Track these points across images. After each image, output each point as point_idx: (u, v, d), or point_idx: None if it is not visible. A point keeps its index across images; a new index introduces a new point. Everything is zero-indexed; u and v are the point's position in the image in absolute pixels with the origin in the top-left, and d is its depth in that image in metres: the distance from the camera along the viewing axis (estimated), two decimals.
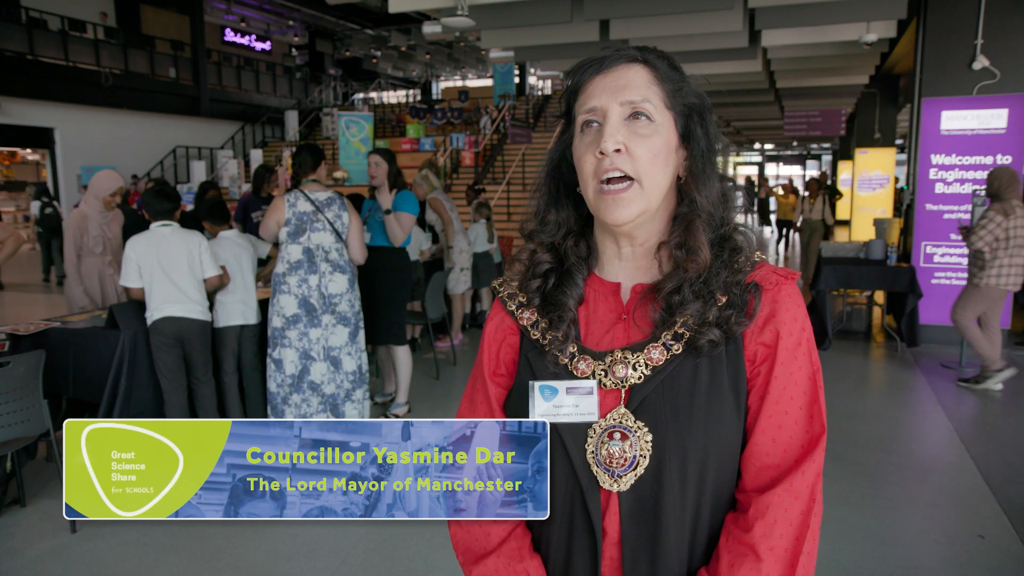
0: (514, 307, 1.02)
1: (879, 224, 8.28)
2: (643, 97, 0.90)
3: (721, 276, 0.92)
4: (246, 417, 4.12)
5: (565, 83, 0.99)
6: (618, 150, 0.89)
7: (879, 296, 7.34)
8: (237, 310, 4.12)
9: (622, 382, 0.91)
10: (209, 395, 4.00)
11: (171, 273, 3.69)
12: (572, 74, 0.97)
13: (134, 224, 4.90)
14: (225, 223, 4.25)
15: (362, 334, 4.21)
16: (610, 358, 0.92)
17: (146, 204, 3.83)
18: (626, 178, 0.90)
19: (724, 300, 0.90)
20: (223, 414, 4.26)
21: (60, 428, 3.80)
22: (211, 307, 3.99)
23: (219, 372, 4.17)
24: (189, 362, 3.84)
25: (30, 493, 3.51)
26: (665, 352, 0.90)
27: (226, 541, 3.09)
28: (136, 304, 3.90)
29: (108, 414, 3.56)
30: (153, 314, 3.71)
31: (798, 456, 0.88)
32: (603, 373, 0.92)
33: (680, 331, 0.90)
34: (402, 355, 4.60)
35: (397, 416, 4.63)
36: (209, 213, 4.27)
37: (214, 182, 8.91)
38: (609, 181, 0.90)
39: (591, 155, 0.91)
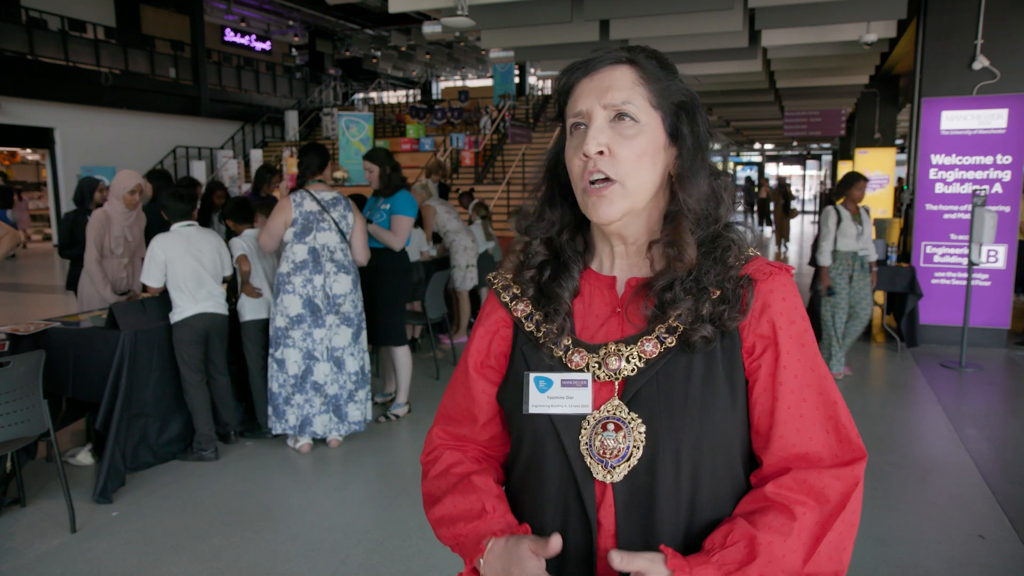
0: (508, 299, 1.03)
1: (879, 224, 8.29)
2: (625, 99, 0.91)
3: (712, 273, 0.92)
4: (266, 408, 4.15)
5: (556, 86, 1.01)
6: (600, 152, 0.90)
7: (879, 296, 7.34)
8: (263, 304, 4.23)
9: (616, 374, 0.92)
10: (226, 386, 4.14)
11: (203, 271, 3.89)
12: (562, 76, 0.98)
13: (158, 226, 4.93)
14: (249, 222, 4.43)
15: (364, 335, 4.21)
16: (604, 351, 0.93)
17: (164, 206, 4.02)
18: (608, 179, 0.91)
19: (717, 295, 0.91)
20: (249, 405, 4.36)
21: (60, 428, 3.83)
22: (234, 302, 4.21)
23: (244, 364, 4.28)
24: (209, 356, 4.01)
25: (30, 493, 3.51)
26: (659, 345, 0.91)
27: (226, 541, 3.09)
28: (137, 304, 3.91)
29: (108, 414, 3.56)
30: (184, 310, 3.85)
31: (835, 442, 0.89)
32: (597, 365, 0.93)
33: (674, 324, 0.91)
34: (402, 356, 4.60)
35: (397, 416, 4.63)
36: (234, 212, 4.49)
37: (219, 182, 8.91)
38: (594, 183, 0.92)
39: (577, 158, 0.93)
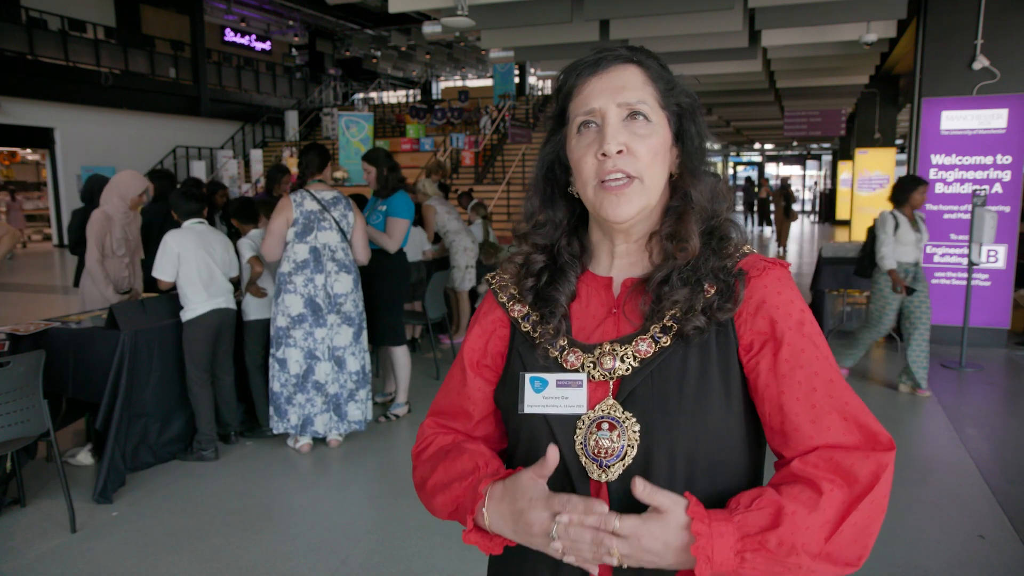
0: (505, 299, 1.03)
1: None
2: (639, 98, 0.92)
3: (709, 263, 0.93)
4: (267, 407, 4.18)
5: (557, 85, 1.00)
6: (620, 151, 0.90)
7: None
8: (266, 304, 4.26)
9: (610, 374, 0.92)
10: (230, 386, 4.16)
11: (216, 267, 3.94)
12: (565, 75, 0.98)
13: (158, 225, 4.93)
14: (253, 222, 4.45)
15: (365, 334, 4.21)
16: (599, 351, 0.93)
17: (174, 205, 4.06)
18: (627, 176, 0.91)
19: (713, 291, 0.91)
20: (249, 405, 4.38)
21: (60, 428, 3.83)
22: (237, 301, 4.24)
23: (244, 362, 4.30)
24: (216, 354, 4.03)
25: (30, 493, 3.51)
26: (653, 344, 0.91)
27: (226, 541, 3.09)
28: (137, 304, 3.91)
29: (108, 414, 3.56)
30: (198, 307, 3.88)
31: (855, 430, 0.86)
32: (592, 365, 0.93)
33: (668, 324, 0.91)
34: (400, 356, 4.60)
35: (397, 416, 4.63)
36: (239, 212, 4.51)
37: (221, 183, 8.91)
38: (609, 181, 0.91)
39: (592, 156, 0.92)
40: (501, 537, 0.89)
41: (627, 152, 0.90)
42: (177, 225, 4.04)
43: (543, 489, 0.85)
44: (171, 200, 4.16)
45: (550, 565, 0.93)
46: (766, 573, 0.79)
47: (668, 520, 0.79)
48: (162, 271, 3.84)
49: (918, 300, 4.91)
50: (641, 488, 0.80)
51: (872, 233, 5.01)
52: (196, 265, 3.86)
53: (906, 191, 4.86)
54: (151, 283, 4.74)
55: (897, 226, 4.83)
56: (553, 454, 0.84)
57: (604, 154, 0.90)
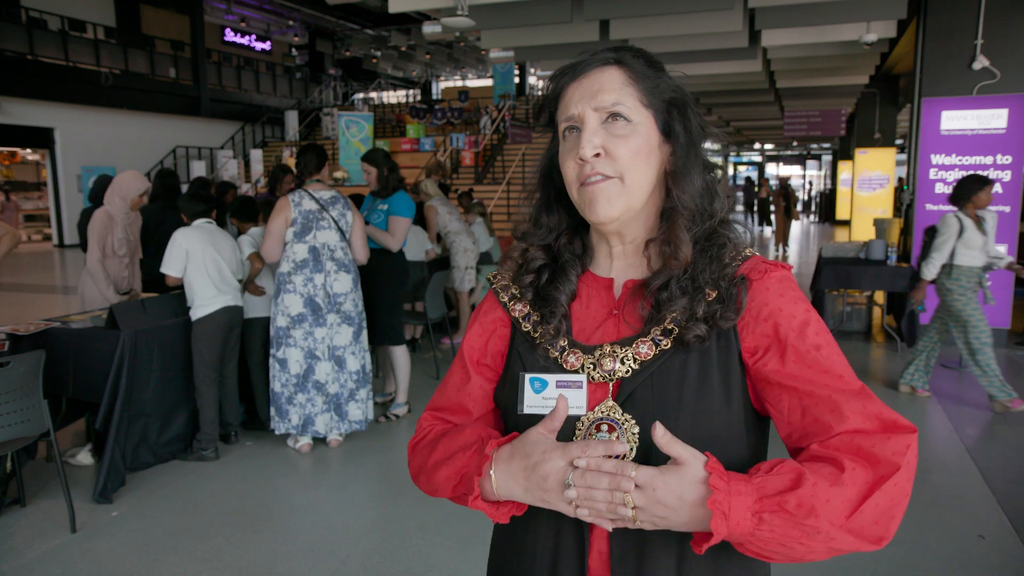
0: (506, 299, 1.04)
1: (879, 224, 8.29)
2: (615, 100, 0.92)
3: (708, 271, 0.92)
4: (268, 405, 4.20)
5: (546, 91, 1.01)
6: (597, 154, 0.91)
7: (879, 296, 7.34)
8: (266, 302, 4.28)
9: (610, 375, 0.91)
10: (233, 385, 4.18)
11: (225, 265, 3.96)
12: (550, 82, 0.99)
13: (155, 226, 4.92)
14: (253, 221, 4.48)
15: (365, 334, 4.22)
16: (599, 352, 0.93)
17: (182, 208, 4.08)
18: (606, 177, 0.91)
19: (714, 295, 0.91)
20: (250, 403, 4.41)
21: (60, 428, 3.82)
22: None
23: (245, 361, 4.32)
24: (223, 351, 4.04)
25: (30, 493, 3.51)
26: (654, 347, 0.91)
27: (226, 541, 3.09)
28: (137, 304, 3.92)
29: (108, 414, 3.56)
30: (209, 304, 3.89)
31: (874, 418, 0.84)
32: (592, 367, 0.93)
33: (669, 327, 0.91)
34: (399, 355, 4.60)
35: (397, 416, 4.63)
36: (239, 211, 4.53)
37: (231, 183, 8.87)
38: (590, 183, 0.92)
39: (572, 161, 0.93)
40: (508, 504, 0.89)
41: (605, 154, 0.91)
42: (164, 226, 4.05)
43: (553, 442, 0.84)
44: (179, 203, 4.18)
45: (549, 559, 0.93)
46: (783, 536, 0.78)
47: (685, 472, 0.78)
48: (170, 267, 3.85)
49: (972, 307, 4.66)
50: (661, 434, 0.79)
51: (931, 235, 4.71)
52: (205, 262, 3.87)
53: (970, 191, 4.56)
54: (149, 283, 4.75)
55: (963, 229, 4.53)
56: (563, 404, 0.85)
57: (582, 159, 0.91)
